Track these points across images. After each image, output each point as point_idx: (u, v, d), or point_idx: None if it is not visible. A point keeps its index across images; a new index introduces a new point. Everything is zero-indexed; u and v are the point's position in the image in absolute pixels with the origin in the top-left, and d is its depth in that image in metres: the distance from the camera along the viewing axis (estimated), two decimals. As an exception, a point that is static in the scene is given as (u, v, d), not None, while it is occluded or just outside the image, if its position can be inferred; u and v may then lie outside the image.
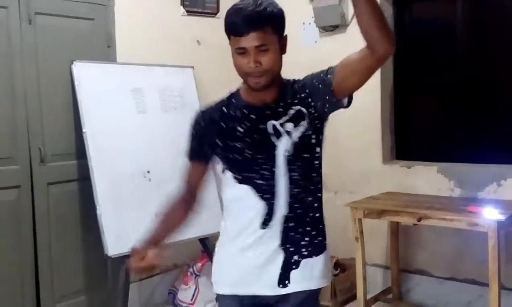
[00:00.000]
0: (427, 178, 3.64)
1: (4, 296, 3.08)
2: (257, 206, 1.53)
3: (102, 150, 3.26)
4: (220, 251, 1.66)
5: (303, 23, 4.00)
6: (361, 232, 3.37)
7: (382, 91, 3.83)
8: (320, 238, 1.60)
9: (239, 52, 1.45)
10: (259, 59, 1.43)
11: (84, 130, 3.21)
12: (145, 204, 3.34)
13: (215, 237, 1.69)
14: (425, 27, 3.86)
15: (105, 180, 3.24)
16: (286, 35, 1.51)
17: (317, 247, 1.58)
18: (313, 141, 1.54)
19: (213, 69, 3.77)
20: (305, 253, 1.56)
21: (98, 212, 3.16)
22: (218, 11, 3.94)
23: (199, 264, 3.71)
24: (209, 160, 1.64)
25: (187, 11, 3.91)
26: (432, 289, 3.64)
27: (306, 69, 3.87)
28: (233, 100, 1.59)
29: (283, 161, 1.51)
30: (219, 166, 1.63)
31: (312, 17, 3.93)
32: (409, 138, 3.99)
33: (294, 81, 1.61)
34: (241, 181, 1.55)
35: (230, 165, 1.57)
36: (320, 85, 1.49)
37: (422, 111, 3.96)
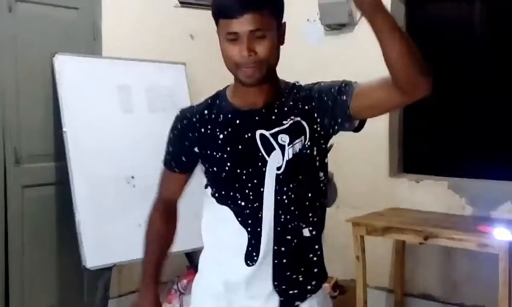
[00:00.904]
0: (436, 194, 3.67)
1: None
2: (239, 235, 1.41)
3: (83, 151, 3.28)
4: (197, 285, 1.58)
5: (307, 20, 4.03)
6: (363, 250, 3.39)
7: (391, 98, 3.92)
8: (319, 271, 1.49)
9: (230, 38, 1.31)
10: (253, 47, 1.31)
11: (64, 130, 3.23)
12: (128, 212, 3.35)
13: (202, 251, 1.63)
14: (439, 29, 3.88)
15: (86, 185, 3.26)
16: (285, 23, 1.40)
17: (317, 282, 1.48)
18: (317, 163, 1.43)
19: (207, 66, 3.78)
20: (304, 292, 1.45)
21: (76, 219, 3.18)
22: (214, 3, 4.05)
23: (185, 281, 3.64)
24: (188, 169, 1.53)
25: (181, 2, 3.99)
26: (438, 315, 3.61)
27: (309, 71, 3.84)
28: (217, 101, 1.47)
29: (273, 180, 1.38)
30: (204, 179, 1.50)
31: (318, 14, 3.95)
32: (418, 150, 4.01)
33: (296, 86, 1.47)
34: (219, 201, 1.43)
35: (209, 179, 1.46)
36: (330, 102, 1.37)
37: (433, 122, 3.95)
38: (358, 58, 3.89)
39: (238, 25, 1.29)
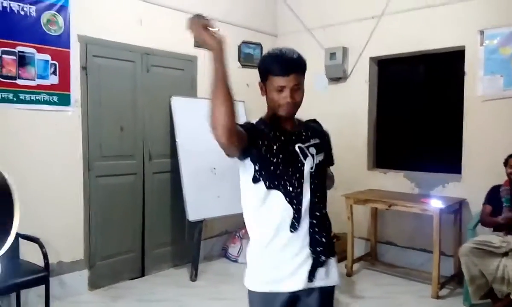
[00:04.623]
0: (396, 180, 3.94)
1: (122, 243, 3.55)
2: (286, 210, 1.39)
3: (187, 153, 3.60)
4: (255, 254, 1.46)
5: (318, 75, 4.29)
6: (351, 214, 3.67)
7: (368, 122, 4.14)
8: (333, 241, 1.50)
9: (279, 89, 1.38)
10: (294, 96, 1.39)
11: (176, 140, 3.59)
12: (211, 188, 3.74)
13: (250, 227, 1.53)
14: (398, 79, 4.13)
15: (188, 173, 3.61)
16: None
17: (333, 249, 1.48)
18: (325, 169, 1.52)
19: (256, 104, 3.49)
20: (327, 254, 1.45)
21: (183, 192, 3.56)
22: (262, 64, 4.36)
23: (243, 231, 4.01)
24: (249, 140, 1.32)
25: (242, 65, 4.39)
26: (397, 254, 3.94)
27: (321, 105, 4.01)
28: (264, 124, 1.45)
29: (308, 176, 1.42)
30: (249, 175, 1.41)
31: (324, 71, 4.29)
32: (385, 154, 4.22)
33: (308, 120, 1.56)
34: (272, 187, 1.39)
35: (264, 173, 1.39)
36: (328, 151, 1.56)
37: (395, 136, 4.16)
38: (348, 98, 4.20)
39: (286, 81, 1.38)
